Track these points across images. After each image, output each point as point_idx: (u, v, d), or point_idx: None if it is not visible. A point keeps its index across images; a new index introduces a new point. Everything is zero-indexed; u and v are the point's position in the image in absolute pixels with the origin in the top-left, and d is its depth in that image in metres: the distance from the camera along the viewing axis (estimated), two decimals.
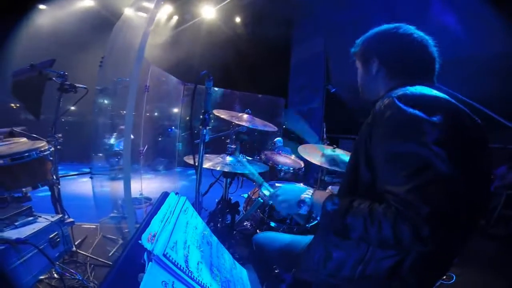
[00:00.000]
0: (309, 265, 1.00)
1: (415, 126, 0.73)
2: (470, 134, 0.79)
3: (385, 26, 0.99)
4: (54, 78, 2.05)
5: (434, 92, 0.82)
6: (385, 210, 0.71)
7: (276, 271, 1.24)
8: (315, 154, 2.21)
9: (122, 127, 4.29)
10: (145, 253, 0.56)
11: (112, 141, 3.92)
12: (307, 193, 0.92)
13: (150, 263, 0.54)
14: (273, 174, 2.60)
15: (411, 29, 0.95)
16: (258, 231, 2.11)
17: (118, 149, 3.86)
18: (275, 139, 4.21)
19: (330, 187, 2.14)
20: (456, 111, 0.80)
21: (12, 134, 1.93)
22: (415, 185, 0.68)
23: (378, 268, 0.85)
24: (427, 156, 0.69)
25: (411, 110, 0.74)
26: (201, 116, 1.44)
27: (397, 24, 0.96)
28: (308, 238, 1.13)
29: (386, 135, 0.78)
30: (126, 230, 2.54)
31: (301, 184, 2.32)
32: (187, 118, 7.00)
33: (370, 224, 0.72)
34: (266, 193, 1.94)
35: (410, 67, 0.93)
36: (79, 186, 4.33)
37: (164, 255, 0.57)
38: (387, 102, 0.80)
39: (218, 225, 2.14)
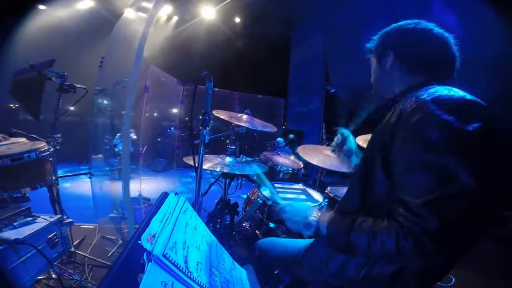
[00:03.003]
0: (311, 264, 1.00)
1: (446, 133, 0.67)
2: (504, 144, 0.72)
3: (404, 22, 0.95)
4: (53, 79, 2.04)
5: (469, 96, 0.74)
6: (388, 227, 0.70)
7: (276, 271, 1.24)
8: (315, 154, 2.21)
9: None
10: (145, 254, 0.56)
11: (115, 141, 3.91)
12: (314, 215, 0.91)
13: (149, 263, 0.54)
14: (272, 174, 2.60)
15: (431, 25, 0.91)
16: (257, 231, 2.11)
17: (119, 149, 3.86)
18: (276, 140, 4.20)
19: (329, 188, 2.14)
20: (492, 119, 0.71)
21: (11, 135, 1.93)
22: (433, 198, 0.64)
23: (382, 272, 0.85)
24: (453, 169, 0.64)
25: (445, 115, 0.68)
26: (200, 117, 1.44)
27: (416, 20, 0.94)
28: (310, 241, 1.13)
29: (412, 140, 0.72)
30: (125, 231, 2.54)
31: (300, 185, 2.32)
32: (186, 118, 7.00)
33: (373, 241, 0.72)
34: (266, 193, 1.95)
35: (428, 64, 0.89)
36: (78, 186, 4.33)
37: (164, 256, 0.57)
38: (419, 104, 0.74)
39: (217, 225, 2.14)
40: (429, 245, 0.63)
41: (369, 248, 0.72)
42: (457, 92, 0.76)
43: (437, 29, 0.90)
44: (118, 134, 3.86)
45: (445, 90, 0.76)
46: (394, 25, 0.97)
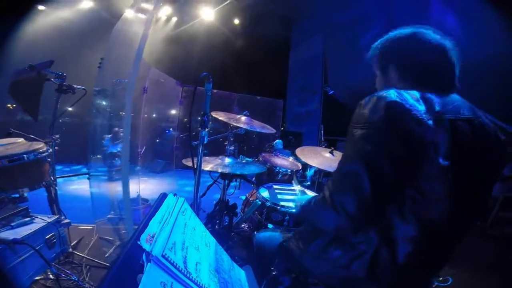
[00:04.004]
0: (313, 254, 1.01)
1: (358, 119, 0.83)
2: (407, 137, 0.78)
3: (401, 32, 0.96)
4: (52, 79, 2.05)
5: (395, 97, 0.80)
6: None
7: (274, 273, 1.24)
8: (313, 156, 2.22)
9: (116, 129, 4.29)
10: (144, 254, 0.56)
11: (106, 142, 3.90)
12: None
13: (148, 264, 0.55)
14: (271, 176, 2.60)
15: (428, 34, 0.92)
16: (255, 232, 2.11)
17: (115, 151, 3.85)
18: (274, 141, 4.20)
19: None
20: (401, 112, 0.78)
21: (9, 135, 1.92)
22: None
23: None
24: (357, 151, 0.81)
25: (361, 109, 0.83)
26: (199, 118, 1.44)
27: (413, 30, 0.94)
28: None
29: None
30: (123, 232, 2.53)
31: (298, 186, 2.32)
32: (185, 119, 7.00)
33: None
34: (265, 194, 1.95)
35: (429, 75, 0.91)
36: (76, 187, 4.32)
37: (163, 256, 0.57)
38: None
39: (216, 226, 2.14)
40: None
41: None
42: (396, 92, 0.81)
43: (435, 38, 0.91)
44: (107, 136, 3.85)
45: (392, 91, 0.82)
46: (392, 35, 0.98)
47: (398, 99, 0.79)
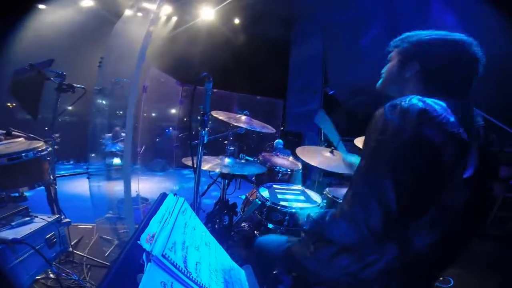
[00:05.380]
0: (319, 261, 1.00)
1: (383, 127, 0.79)
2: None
3: (446, 35, 0.90)
4: (52, 78, 2.04)
5: (423, 105, 0.78)
6: None
7: (275, 272, 1.24)
8: (313, 156, 2.22)
9: (117, 128, 4.28)
10: (144, 254, 0.56)
11: (105, 141, 3.91)
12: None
13: (148, 263, 0.54)
14: (271, 175, 2.60)
15: (468, 44, 0.87)
16: (256, 232, 2.11)
17: (115, 150, 3.86)
18: (275, 141, 4.20)
19: (327, 189, 2.15)
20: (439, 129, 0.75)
21: (9, 134, 1.92)
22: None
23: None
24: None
25: (389, 115, 0.79)
26: (199, 117, 1.44)
27: (456, 37, 0.89)
28: None
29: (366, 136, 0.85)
30: (122, 231, 2.54)
31: (299, 185, 2.32)
32: (185, 119, 6.99)
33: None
34: (265, 194, 1.95)
35: (450, 84, 0.88)
36: (76, 186, 4.32)
37: (163, 256, 0.57)
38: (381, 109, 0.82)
39: (216, 226, 2.14)
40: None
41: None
42: (421, 101, 0.78)
43: (473, 50, 0.87)
44: (107, 135, 3.85)
45: (415, 99, 0.79)
46: (430, 34, 0.93)
47: (428, 109, 0.76)
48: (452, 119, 0.77)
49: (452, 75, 0.88)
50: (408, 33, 0.97)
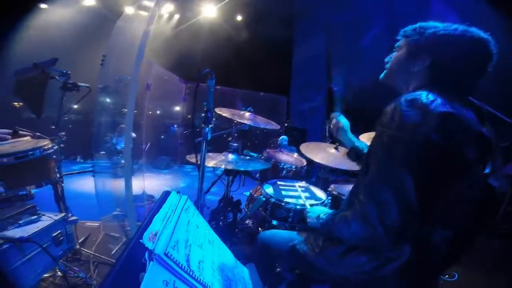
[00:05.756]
0: (326, 258, 1.00)
1: (398, 119, 0.78)
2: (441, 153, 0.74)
3: (461, 30, 0.85)
4: (56, 77, 2.05)
5: (435, 105, 0.76)
6: None
7: (278, 269, 1.24)
8: (318, 152, 2.20)
9: (123, 125, 4.32)
10: (146, 252, 0.56)
11: (114, 140, 3.94)
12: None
13: (151, 262, 0.54)
14: (275, 172, 2.59)
15: (486, 42, 0.84)
16: (260, 229, 2.11)
17: (120, 148, 3.89)
18: (280, 138, 4.18)
19: (332, 185, 2.13)
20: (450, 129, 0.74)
21: (16, 133, 1.94)
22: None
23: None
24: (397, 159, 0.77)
25: (405, 109, 0.77)
26: (203, 114, 1.44)
27: (474, 34, 0.84)
28: None
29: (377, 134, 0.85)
30: (128, 228, 2.56)
31: (303, 182, 2.31)
32: (189, 116, 7.01)
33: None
34: (269, 191, 1.94)
35: (457, 82, 0.86)
36: (82, 184, 4.36)
37: (166, 254, 0.57)
38: (394, 104, 0.80)
39: (220, 223, 2.14)
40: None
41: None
42: (439, 98, 0.77)
43: (490, 48, 0.84)
44: (116, 133, 3.88)
45: (432, 95, 0.78)
46: (446, 27, 0.87)
47: (449, 107, 0.74)
48: (471, 116, 0.76)
49: (463, 74, 0.85)
50: (422, 23, 0.92)
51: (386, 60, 1.01)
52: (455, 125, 0.73)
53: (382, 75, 1.02)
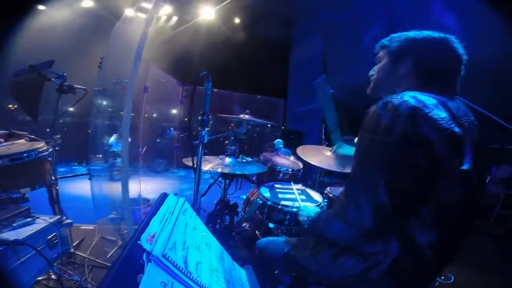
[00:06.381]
0: (319, 262, 1.00)
1: (375, 122, 0.81)
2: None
3: (432, 33, 0.94)
4: (53, 79, 2.04)
5: (415, 102, 0.78)
6: None
7: (276, 272, 1.24)
8: (314, 155, 2.21)
9: (120, 128, 4.29)
10: (144, 254, 0.56)
11: (111, 140, 3.92)
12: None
13: (149, 263, 0.54)
14: (271, 175, 2.60)
15: (456, 43, 0.92)
16: (256, 232, 2.11)
17: (117, 150, 3.87)
18: (275, 141, 4.19)
19: (328, 188, 2.14)
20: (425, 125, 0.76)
21: (11, 135, 1.92)
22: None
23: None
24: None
25: (381, 111, 0.80)
26: (199, 117, 1.44)
27: (445, 36, 0.93)
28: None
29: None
30: (125, 231, 2.53)
31: (300, 185, 2.32)
32: (186, 119, 7.01)
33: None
34: (266, 194, 1.95)
35: (442, 79, 0.91)
36: (77, 187, 4.31)
37: (164, 256, 0.57)
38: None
39: (217, 226, 2.13)
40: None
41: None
42: (412, 98, 0.79)
43: (460, 48, 0.91)
44: (114, 135, 3.86)
45: (407, 95, 0.80)
46: (419, 32, 0.96)
47: (420, 106, 0.77)
48: (443, 114, 0.78)
49: (442, 70, 0.91)
50: (393, 35, 1.00)
51: (370, 73, 1.06)
52: (423, 120, 0.75)
53: (369, 89, 1.06)
